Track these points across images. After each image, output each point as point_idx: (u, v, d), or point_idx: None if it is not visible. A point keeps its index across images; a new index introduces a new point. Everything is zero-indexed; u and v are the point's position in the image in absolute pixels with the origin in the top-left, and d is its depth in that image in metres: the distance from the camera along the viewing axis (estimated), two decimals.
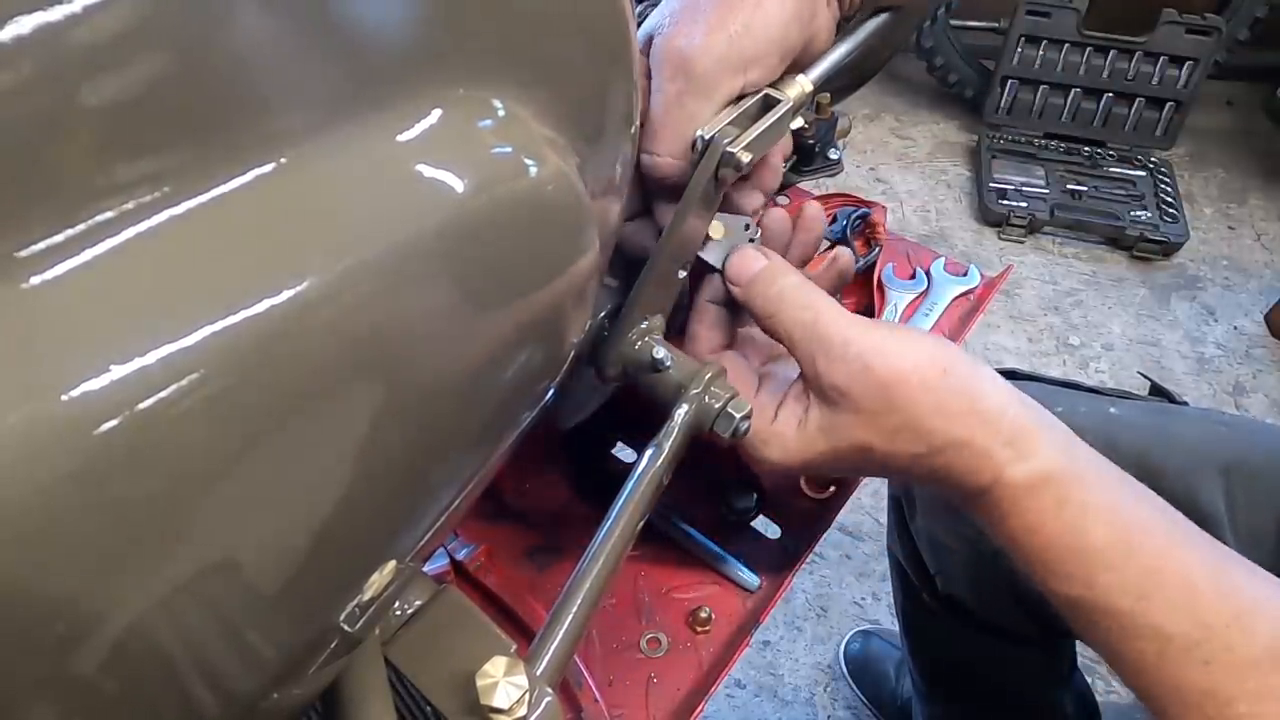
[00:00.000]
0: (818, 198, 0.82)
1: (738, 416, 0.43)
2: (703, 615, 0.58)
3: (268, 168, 0.23)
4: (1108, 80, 1.91)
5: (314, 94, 0.24)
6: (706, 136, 0.42)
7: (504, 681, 0.34)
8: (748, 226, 0.48)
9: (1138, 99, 1.93)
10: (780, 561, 0.60)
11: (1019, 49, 1.91)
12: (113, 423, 0.19)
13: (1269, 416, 1.58)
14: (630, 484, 0.43)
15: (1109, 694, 1.16)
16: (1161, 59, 1.88)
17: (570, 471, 0.66)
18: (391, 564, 0.32)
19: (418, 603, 0.41)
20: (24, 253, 0.19)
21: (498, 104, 0.29)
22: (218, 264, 0.22)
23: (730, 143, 0.42)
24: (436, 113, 0.27)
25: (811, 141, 0.77)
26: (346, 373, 0.25)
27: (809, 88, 0.46)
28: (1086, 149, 1.97)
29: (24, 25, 0.17)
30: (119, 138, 0.20)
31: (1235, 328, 1.73)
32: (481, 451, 0.35)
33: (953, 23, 1.98)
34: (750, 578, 0.59)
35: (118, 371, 0.20)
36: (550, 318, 0.33)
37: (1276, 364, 1.67)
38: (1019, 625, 0.74)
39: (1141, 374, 1.48)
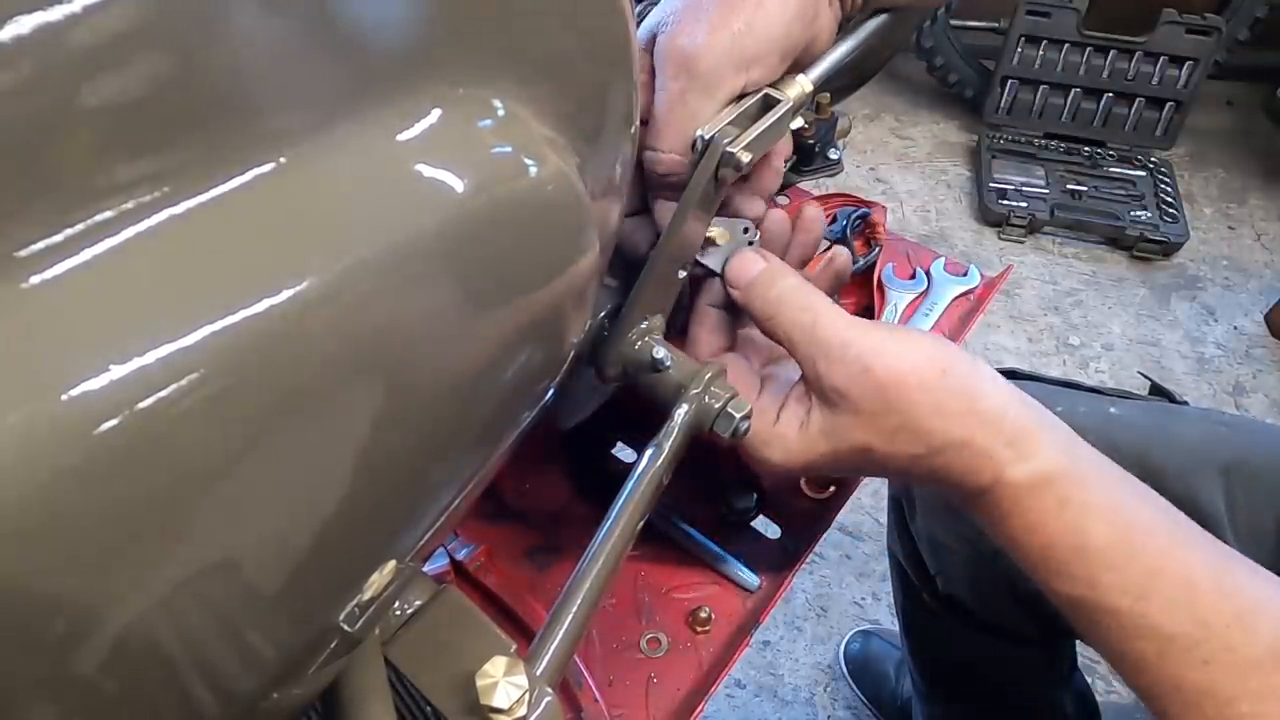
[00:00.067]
0: (818, 198, 0.82)
1: (738, 416, 0.43)
2: (703, 615, 0.58)
3: (267, 167, 0.23)
4: (1108, 80, 1.91)
5: (313, 94, 0.24)
6: (706, 136, 0.42)
7: (504, 681, 0.34)
8: (747, 229, 0.48)
9: (1138, 99, 1.92)
10: (780, 561, 0.60)
11: (1019, 49, 1.91)
12: (112, 422, 0.19)
13: (1269, 416, 1.58)
14: (630, 484, 0.43)
15: (1109, 694, 1.16)
16: (1161, 59, 1.88)
17: (570, 471, 0.66)
18: (391, 564, 0.32)
19: (418, 603, 0.41)
20: (24, 252, 0.19)
21: (498, 104, 0.29)
22: (217, 264, 0.22)
23: (730, 142, 0.42)
24: (436, 112, 0.27)
25: (811, 141, 0.77)
26: (346, 372, 0.25)
27: (809, 88, 0.46)
28: (1086, 149, 1.97)
29: (24, 25, 0.17)
30: (119, 138, 0.20)
31: (1235, 328, 1.73)
32: (481, 451, 0.35)
33: (953, 23, 1.98)
34: (750, 578, 0.59)
35: (117, 371, 0.20)
36: (550, 318, 0.33)
37: (1276, 364, 1.67)
38: (1019, 625, 0.74)
39: (1141, 374, 1.48)
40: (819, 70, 0.47)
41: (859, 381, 0.41)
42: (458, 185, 0.27)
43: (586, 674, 0.55)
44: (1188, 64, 1.87)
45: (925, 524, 0.75)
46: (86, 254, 0.20)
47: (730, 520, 0.62)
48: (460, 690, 0.36)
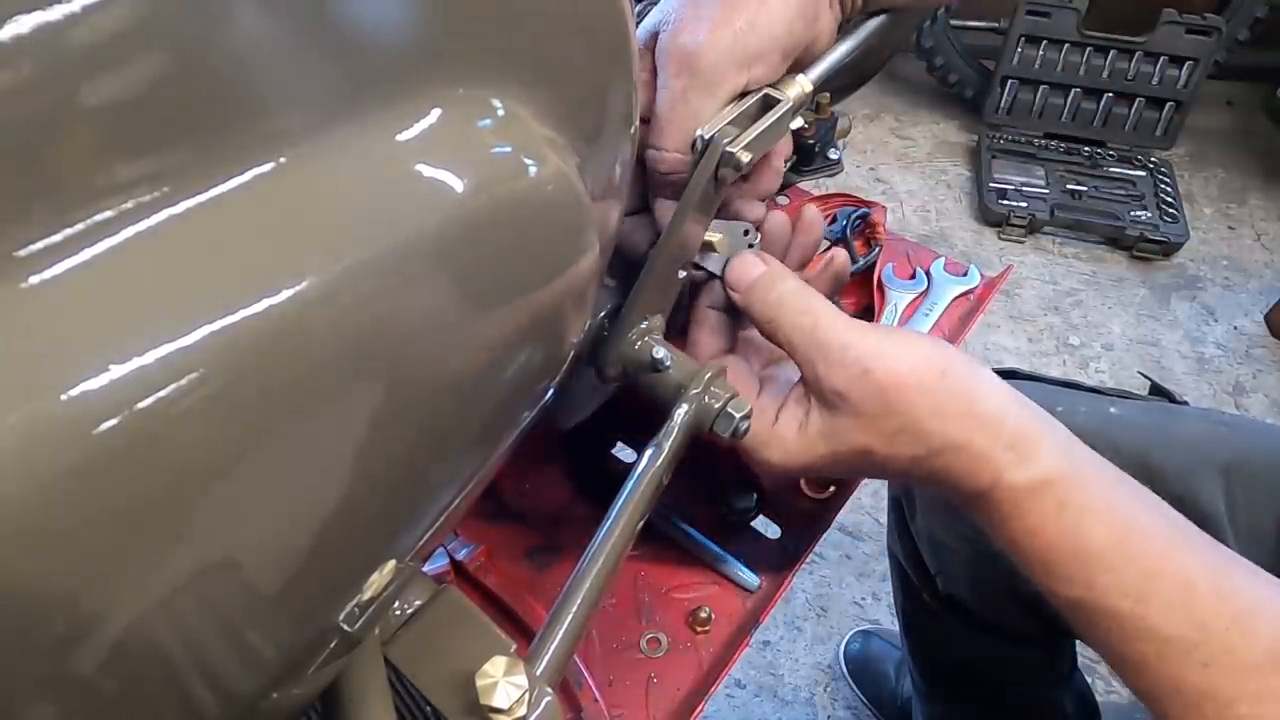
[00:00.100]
0: (818, 198, 0.82)
1: (737, 416, 0.43)
2: (703, 615, 0.58)
3: (267, 167, 0.23)
4: (1108, 80, 1.91)
5: (313, 94, 0.24)
6: (706, 136, 0.42)
7: (504, 681, 0.34)
8: (747, 232, 0.48)
9: (1138, 99, 1.92)
10: (780, 561, 0.60)
11: (1019, 49, 1.91)
12: (112, 422, 0.19)
13: (1269, 416, 1.58)
14: (630, 484, 0.43)
15: (1109, 694, 1.16)
16: (1161, 59, 1.88)
17: (570, 471, 0.66)
18: (391, 564, 0.32)
19: (418, 603, 0.41)
20: (23, 252, 0.19)
21: (498, 104, 0.29)
22: (217, 263, 0.22)
23: (730, 142, 0.42)
24: (436, 112, 0.27)
25: (811, 141, 0.77)
26: (346, 372, 0.25)
27: (809, 88, 0.46)
28: (1086, 149, 1.97)
29: (24, 25, 0.17)
30: (118, 138, 0.20)
31: (1235, 328, 1.73)
32: (481, 451, 0.35)
33: (953, 23, 1.98)
34: (750, 578, 0.59)
35: (117, 371, 0.20)
36: (550, 318, 0.33)
37: (1276, 364, 1.67)
38: (1019, 625, 0.74)
39: (1141, 374, 1.48)
40: (819, 70, 0.47)
41: (858, 384, 0.41)
42: (457, 185, 0.27)
43: (586, 674, 0.55)
44: (1188, 64, 1.87)
45: (925, 524, 0.75)
46: (86, 254, 0.20)
47: (730, 520, 0.62)
48: (460, 690, 0.36)
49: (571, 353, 0.38)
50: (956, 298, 0.74)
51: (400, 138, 0.26)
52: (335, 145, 0.25)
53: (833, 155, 0.78)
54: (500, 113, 0.29)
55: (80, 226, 0.20)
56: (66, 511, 0.19)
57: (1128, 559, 0.38)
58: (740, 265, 0.46)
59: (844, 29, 0.49)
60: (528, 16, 0.30)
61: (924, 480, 0.42)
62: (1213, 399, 1.61)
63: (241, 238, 0.22)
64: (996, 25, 1.94)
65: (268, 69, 0.23)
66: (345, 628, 0.31)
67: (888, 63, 0.66)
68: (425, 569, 0.54)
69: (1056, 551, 0.39)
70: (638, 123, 0.39)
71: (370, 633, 0.37)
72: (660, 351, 0.45)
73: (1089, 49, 1.89)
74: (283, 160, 0.23)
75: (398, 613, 0.40)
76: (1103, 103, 1.94)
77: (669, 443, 0.43)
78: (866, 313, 0.75)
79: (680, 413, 0.44)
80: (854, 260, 0.77)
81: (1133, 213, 1.84)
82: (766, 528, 0.63)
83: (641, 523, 0.43)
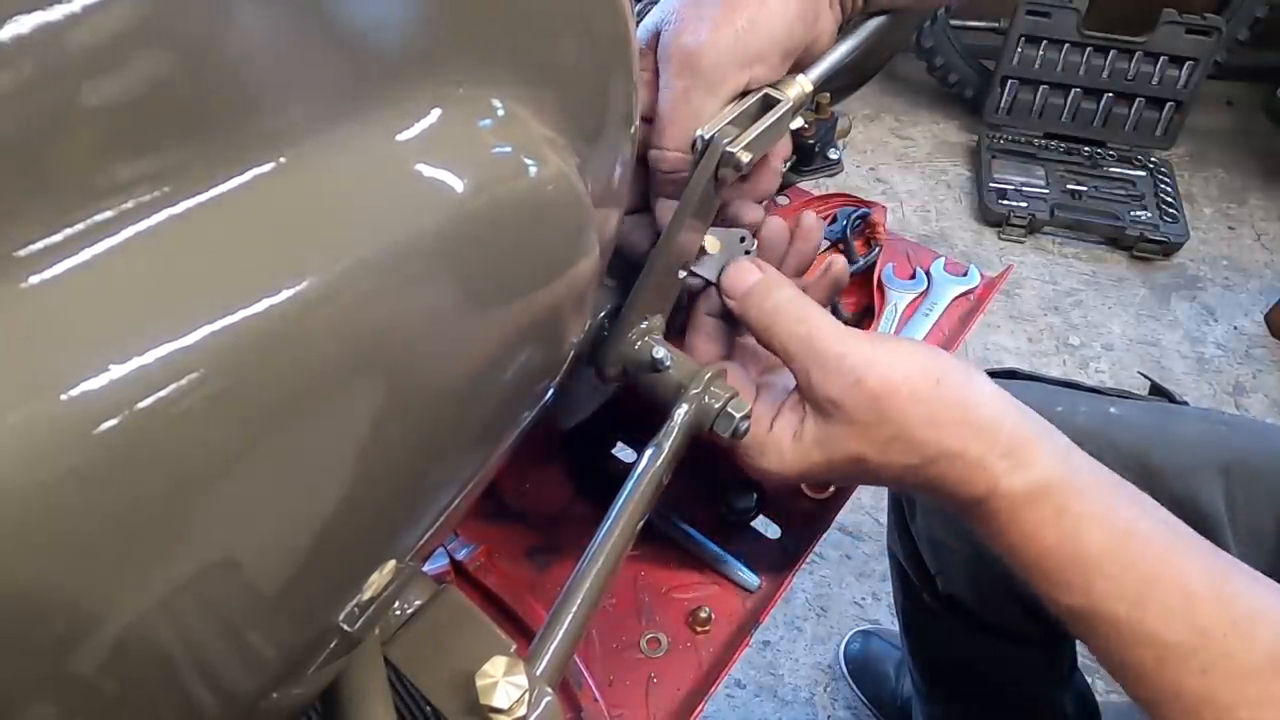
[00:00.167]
0: (818, 198, 0.82)
1: (737, 416, 0.43)
2: (703, 615, 0.58)
3: (267, 167, 0.23)
4: (1108, 80, 1.91)
5: (313, 93, 0.24)
6: (706, 136, 0.42)
7: (504, 681, 0.34)
8: (743, 239, 0.48)
9: (1138, 99, 1.92)
10: (780, 561, 0.60)
11: (1019, 49, 1.91)
12: (112, 422, 0.19)
13: (1269, 416, 1.58)
14: (630, 484, 0.43)
15: (1109, 694, 1.16)
16: (1161, 59, 1.88)
17: (570, 471, 0.66)
18: (391, 564, 0.32)
19: (418, 603, 0.41)
20: (23, 252, 0.19)
21: (498, 103, 0.29)
22: (217, 263, 0.22)
23: (730, 142, 0.42)
24: (436, 112, 0.27)
25: (811, 141, 0.77)
26: (346, 372, 0.25)
27: (809, 88, 0.46)
28: (1086, 149, 1.97)
29: (24, 25, 0.17)
30: (118, 137, 0.20)
31: (1235, 328, 1.73)
32: (481, 451, 0.35)
33: (953, 23, 1.98)
34: (750, 578, 0.59)
35: (117, 371, 0.20)
36: (550, 317, 0.33)
37: (1276, 364, 1.67)
38: (1019, 625, 0.74)
39: (1141, 374, 1.48)
40: (819, 70, 0.47)
41: (852, 392, 0.41)
42: (458, 185, 0.27)
43: (586, 674, 0.55)
44: (1188, 64, 1.87)
45: (925, 524, 0.75)
46: (86, 254, 0.20)
47: (730, 520, 0.62)
48: (460, 690, 0.36)
49: (571, 353, 0.38)
50: (956, 298, 0.74)
51: (400, 137, 0.26)
52: (335, 145, 0.25)
53: (833, 155, 0.78)
54: (500, 112, 0.29)
55: (80, 226, 0.20)
56: (67, 512, 0.19)
57: (1126, 565, 0.38)
58: (736, 272, 0.46)
59: (844, 29, 0.49)
60: (528, 16, 0.30)
61: (920, 488, 0.42)
62: (1213, 399, 1.61)
63: (242, 238, 0.22)
64: (996, 25, 1.94)
65: (268, 68, 0.23)
66: (345, 628, 0.31)
67: (888, 63, 0.67)
68: (425, 569, 0.54)
69: (1054, 558, 0.39)
70: (638, 122, 0.39)
71: (370, 633, 0.37)
72: (660, 351, 0.45)
73: (1089, 49, 1.89)
74: (283, 160, 0.23)
75: (398, 613, 0.40)
76: (1103, 103, 1.94)
77: (669, 443, 0.43)
78: (866, 313, 0.75)
79: (680, 413, 0.44)
80: (854, 260, 0.77)
81: (1133, 213, 1.84)
82: (766, 528, 0.63)
83: (641, 523, 0.43)
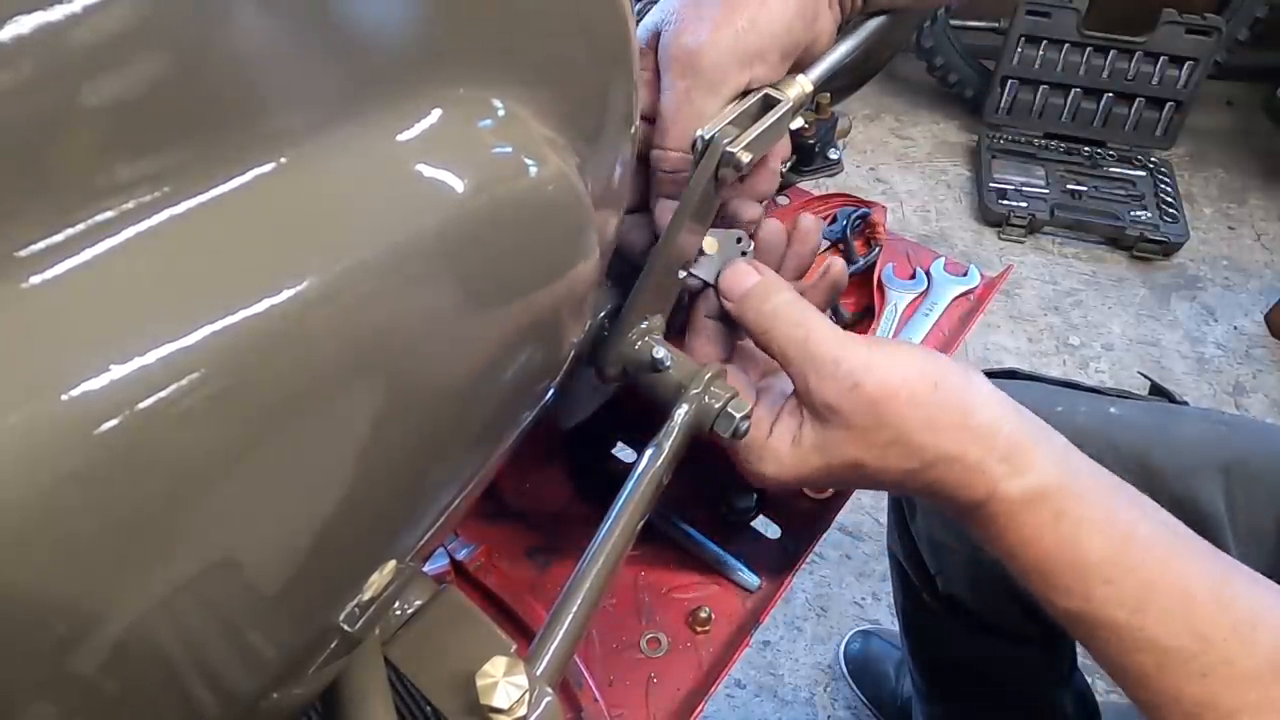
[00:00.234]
0: (818, 198, 0.82)
1: (738, 416, 0.43)
2: (703, 615, 0.58)
3: (267, 168, 0.23)
4: (1108, 80, 1.91)
5: (314, 94, 0.24)
6: (706, 136, 0.42)
7: (504, 681, 0.34)
8: (740, 240, 0.48)
9: (1138, 99, 1.92)
10: (780, 561, 0.60)
11: (1019, 49, 1.91)
12: (113, 423, 0.19)
13: (1269, 416, 1.58)
14: (630, 484, 0.43)
15: (1109, 694, 1.16)
16: (1161, 59, 1.88)
17: (570, 471, 0.66)
18: (391, 564, 0.32)
19: (418, 603, 0.41)
20: (24, 252, 0.19)
21: (498, 104, 0.29)
22: (218, 264, 0.22)
23: (730, 142, 0.42)
24: (436, 113, 0.27)
25: (811, 141, 0.77)
26: (346, 372, 0.25)
27: (809, 88, 0.46)
28: (1086, 149, 1.97)
29: (24, 25, 0.17)
30: (119, 138, 0.20)
31: (1235, 328, 1.73)
32: (481, 451, 0.35)
33: (953, 23, 1.98)
34: (750, 578, 0.59)
35: (118, 371, 0.20)
36: (550, 318, 0.33)
37: (1276, 364, 1.67)
38: (1019, 625, 0.74)
39: (1141, 374, 1.48)
40: (819, 70, 0.47)
41: (849, 397, 0.41)
42: (458, 185, 0.27)
43: (586, 674, 0.55)
44: (1188, 64, 1.87)
45: (925, 524, 0.75)
46: (87, 254, 0.20)
47: (730, 520, 0.62)
48: (460, 690, 0.36)
49: (571, 353, 0.38)
50: (956, 298, 0.74)
51: (401, 138, 0.26)
52: (336, 145, 0.25)
53: (833, 155, 0.78)
54: (501, 113, 0.29)
55: (81, 226, 0.20)
56: (67, 512, 0.19)
57: (1126, 569, 0.38)
58: (734, 275, 0.46)
59: (844, 29, 0.49)
60: (528, 17, 0.30)
61: (919, 492, 0.42)
62: (1213, 399, 1.61)
63: (242, 238, 0.22)
64: (996, 25, 1.94)
65: (268, 69, 0.23)
66: (345, 628, 0.31)
67: (888, 63, 0.66)
68: (425, 569, 0.54)
69: (1054, 562, 0.39)
70: (638, 122, 0.39)
71: (370, 633, 0.37)
72: (660, 351, 0.45)
73: (1089, 49, 1.89)
74: (283, 160, 0.23)
75: (398, 613, 0.40)
76: (1103, 103, 1.94)
77: (669, 443, 0.43)
78: (866, 313, 0.74)
79: (680, 413, 0.44)
80: (854, 260, 0.77)
81: (1133, 213, 1.84)
82: (766, 528, 0.63)
83: (641, 523, 0.43)
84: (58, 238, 0.19)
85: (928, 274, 0.75)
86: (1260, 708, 0.36)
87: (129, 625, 0.22)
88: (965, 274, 0.75)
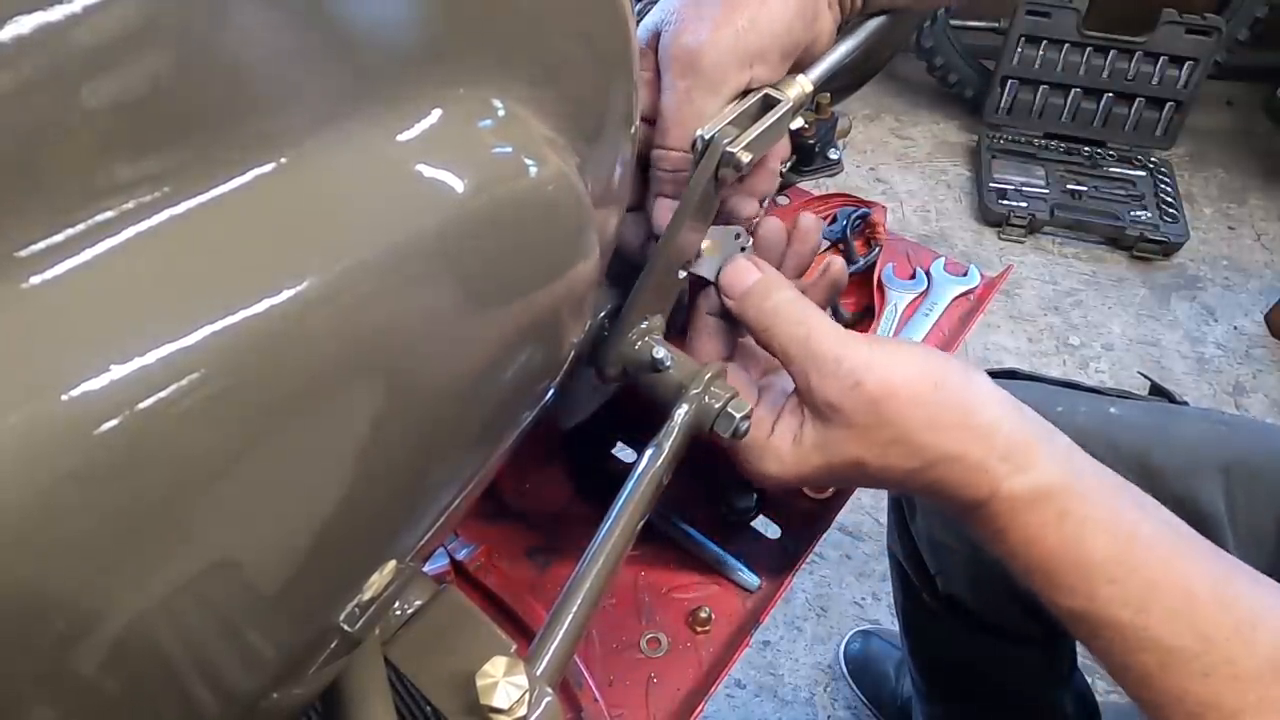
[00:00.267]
0: (818, 198, 0.82)
1: (738, 416, 0.43)
2: (703, 615, 0.58)
3: (267, 168, 0.23)
4: (1108, 80, 1.91)
5: (314, 94, 0.24)
6: (706, 136, 0.42)
7: (504, 681, 0.34)
8: (738, 236, 0.48)
9: (1138, 99, 1.92)
10: (780, 561, 0.60)
11: (1019, 49, 1.91)
12: (113, 423, 0.19)
13: (1269, 416, 1.58)
14: (630, 484, 0.43)
15: (1109, 694, 1.16)
16: (1161, 59, 1.88)
17: (570, 471, 0.66)
18: (391, 564, 0.32)
19: (418, 603, 0.41)
20: (24, 252, 0.19)
21: (498, 104, 0.29)
22: (218, 264, 0.22)
23: (730, 142, 0.42)
24: (437, 112, 0.27)
25: (811, 141, 0.77)
26: (346, 372, 0.25)
27: (809, 88, 0.46)
28: (1086, 149, 1.97)
29: (24, 25, 0.17)
30: (119, 138, 0.20)
31: (1235, 328, 1.73)
32: (481, 451, 0.35)
33: (953, 23, 1.98)
34: (750, 578, 0.59)
35: (118, 371, 0.20)
36: (550, 318, 0.33)
37: (1276, 364, 1.67)
38: (1019, 625, 0.74)
39: (1141, 374, 1.48)
40: (819, 70, 0.47)
41: (850, 396, 0.41)
42: (458, 185, 0.27)
43: (586, 674, 0.55)
44: (1188, 64, 1.87)
45: (925, 524, 0.75)
46: (87, 254, 0.20)
47: (730, 520, 0.62)
48: (460, 690, 0.36)
49: (571, 353, 0.38)
50: (956, 298, 0.74)
51: (401, 138, 0.26)
52: (336, 145, 0.25)
53: (833, 155, 0.78)
54: (501, 113, 0.29)
55: (81, 227, 0.20)
56: (67, 512, 0.19)
57: (1130, 569, 0.38)
58: (735, 272, 0.46)
59: (844, 29, 0.49)
60: (528, 17, 0.30)
61: (921, 491, 0.42)
62: (1213, 399, 1.61)
63: (242, 238, 0.22)
64: (996, 25, 1.94)
65: (268, 69, 0.23)
66: (345, 628, 0.31)
67: (888, 63, 0.67)
68: (425, 569, 0.54)
69: (1057, 561, 0.39)
70: (638, 122, 0.39)
71: (370, 633, 0.37)
72: (660, 351, 0.45)
73: (1089, 49, 1.89)
74: (283, 160, 0.23)
75: (398, 613, 0.40)
76: (1103, 103, 1.94)
77: (669, 443, 0.43)
78: (866, 313, 0.75)
79: (680, 413, 0.44)
80: (854, 260, 0.77)
81: (1133, 213, 1.84)
82: (766, 528, 0.63)
83: (641, 523, 0.43)
84: (58, 238, 0.19)
85: (928, 274, 0.75)
86: (1262, 708, 0.36)
87: (129, 625, 0.22)
88: (965, 274, 0.75)
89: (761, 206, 0.50)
